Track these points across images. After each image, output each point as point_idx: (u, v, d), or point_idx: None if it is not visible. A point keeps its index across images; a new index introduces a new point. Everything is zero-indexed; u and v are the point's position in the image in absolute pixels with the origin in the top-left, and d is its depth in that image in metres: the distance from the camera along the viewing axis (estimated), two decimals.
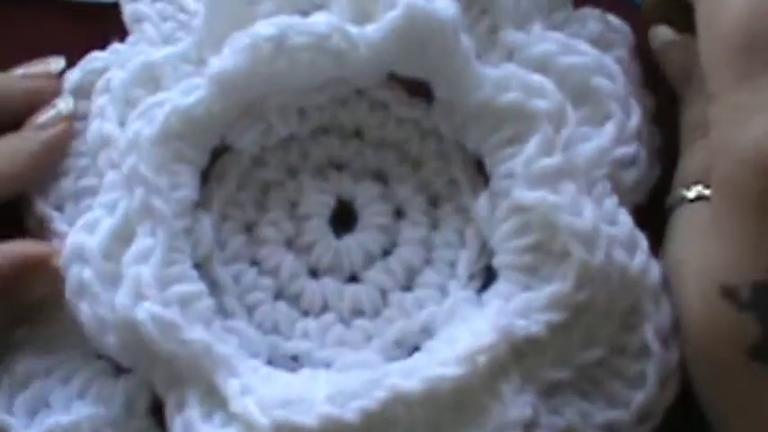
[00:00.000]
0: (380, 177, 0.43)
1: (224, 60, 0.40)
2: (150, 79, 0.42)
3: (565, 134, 0.40)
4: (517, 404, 0.38)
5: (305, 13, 0.41)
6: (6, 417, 0.40)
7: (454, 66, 0.40)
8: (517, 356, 0.39)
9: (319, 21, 0.40)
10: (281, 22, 0.40)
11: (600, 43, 0.42)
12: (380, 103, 0.43)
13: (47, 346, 0.41)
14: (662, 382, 0.39)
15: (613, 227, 0.40)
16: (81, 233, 0.40)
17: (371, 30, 0.40)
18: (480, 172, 0.43)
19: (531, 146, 0.40)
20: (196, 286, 0.40)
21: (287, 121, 0.42)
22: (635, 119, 0.42)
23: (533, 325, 0.39)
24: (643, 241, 0.40)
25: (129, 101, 0.41)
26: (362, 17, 0.41)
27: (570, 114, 0.40)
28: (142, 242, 0.39)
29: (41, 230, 0.42)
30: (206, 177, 0.42)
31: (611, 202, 0.40)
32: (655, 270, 0.40)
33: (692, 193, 0.40)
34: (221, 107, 0.41)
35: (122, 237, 0.40)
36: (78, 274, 0.39)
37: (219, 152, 0.42)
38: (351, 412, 0.37)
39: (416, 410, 0.38)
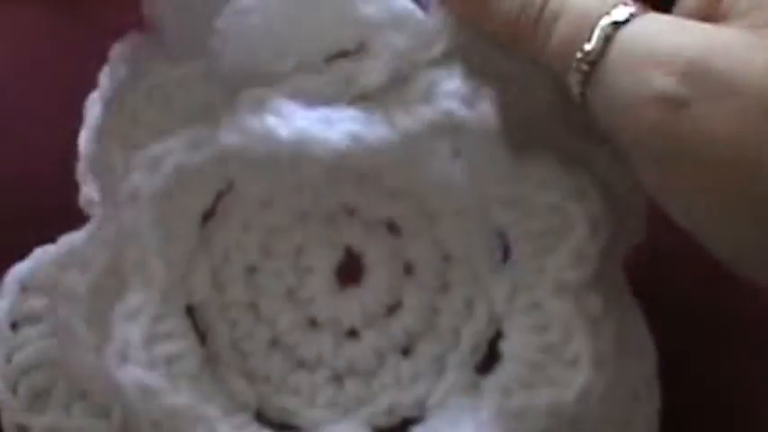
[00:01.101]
0: (393, 228, 0.41)
1: (230, 136, 0.37)
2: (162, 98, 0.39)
3: (599, 242, 0.38)
4: None
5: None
6: (9, 396, 0.40)
7: (488, 167, 0.38)
8: None
9: (341, 130, 0.37)
10: (300, 129, 0.37)
11: None
12: None
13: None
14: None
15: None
16: (73, 272, 0.39)
17: (400, 126, 0.37)
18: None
19: (563, 253, 0.38)
20: (185, 343, 0.39)
21: (300, 168, 0.40)
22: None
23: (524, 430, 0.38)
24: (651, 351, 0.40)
25: (136, 120, 0.39)
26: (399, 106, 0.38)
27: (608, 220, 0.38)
28: (134, 299, 0.38)
29: None
30: (210, 212, 0.40)
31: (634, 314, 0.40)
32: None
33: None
34: (229, 165, 0.39)
35: (114, 282, 0.39)
36: (67, 318, 0.39)
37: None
38: None
39: None
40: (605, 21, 0.36)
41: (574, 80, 0.36)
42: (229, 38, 0.37)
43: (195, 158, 0.38)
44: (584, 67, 0.36)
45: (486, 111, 0.37)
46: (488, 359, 0.40)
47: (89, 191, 0.41)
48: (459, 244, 0.41)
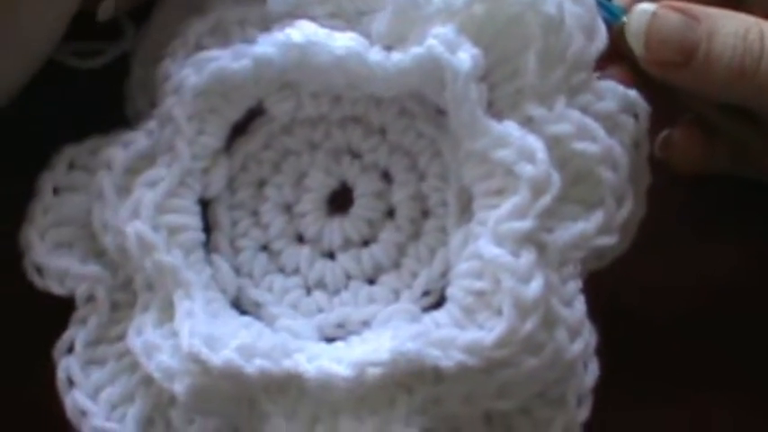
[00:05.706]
0: (386, 177, 0.48)
1: (262, 47, 0.45)
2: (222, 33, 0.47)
3: (541, 203, 0.43)
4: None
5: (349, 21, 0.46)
6: (37, 240, 0.46)
7: (462, 111, 0.44)
8: (418, 385, 0.43)
9: (341, 44, 0.44)
10: (309, 34, 0.44)
11: (609, 122, 0.45)
12: (409, 112, 0.47)
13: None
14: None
15: (567, 308, 0.44)
16: (116, 148, 0.46)
17: (393, 59, 0.44)
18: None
19: (506, 207, 0.43)
20: (189, 219, 0.46)
21: (318, 104, 0.47)
22: (624, 211, 0.45)
23: (445, 359, 0.42)
24: (588, 332, 0.44)
25: (199, 46, 0.47)
26: (397, 40, 0.45)
27: (554, 185, 0.43)
28: (156, 171, 0.45)
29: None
30: (241, 131, 0.48)
31: (574, 286, 0.44)
32: (592, 362, 0.44)
33: None
34: (261, 79, 0.46)
35: (146, 160, 0.46)
36: (101, 180, 0.46)
37: (257, 112, 0.48)
38: (251, 367, 0.42)
39: (311, 389, 0.43)
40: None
41: None
42: None
43: (235, 66, 0.45)
44: None
45: (465, 57, 0.43)
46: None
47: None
48: (437, 201, 0.47)
